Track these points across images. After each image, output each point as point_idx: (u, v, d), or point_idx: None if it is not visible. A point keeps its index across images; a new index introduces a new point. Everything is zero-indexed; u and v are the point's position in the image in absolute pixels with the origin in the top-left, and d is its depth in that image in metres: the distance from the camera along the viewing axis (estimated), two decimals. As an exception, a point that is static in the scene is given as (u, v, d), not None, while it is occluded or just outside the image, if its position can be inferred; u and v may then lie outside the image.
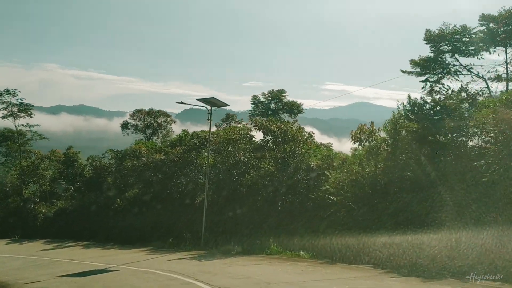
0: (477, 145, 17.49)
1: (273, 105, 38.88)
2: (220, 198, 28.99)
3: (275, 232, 22.32)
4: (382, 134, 19.93)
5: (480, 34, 21.37)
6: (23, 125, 40.74)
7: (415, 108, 18.23)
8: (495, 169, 14.38)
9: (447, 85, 19.86)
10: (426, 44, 20.40)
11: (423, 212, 15.23)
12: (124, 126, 47.17)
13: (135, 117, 46.89)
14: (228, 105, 24.57)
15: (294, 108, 38.61)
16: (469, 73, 21.92)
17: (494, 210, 13.54)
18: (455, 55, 21.15)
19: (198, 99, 24.37)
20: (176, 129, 49.19)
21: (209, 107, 24.69)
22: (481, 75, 22.21)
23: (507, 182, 13.70)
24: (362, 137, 19.34)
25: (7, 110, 39.73)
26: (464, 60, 21.83)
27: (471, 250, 12.03)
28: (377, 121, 21.29)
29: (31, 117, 40.17)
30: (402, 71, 19.78)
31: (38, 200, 39.06)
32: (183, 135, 36.26)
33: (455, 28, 21.25)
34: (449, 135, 17.97)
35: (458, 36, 20.84)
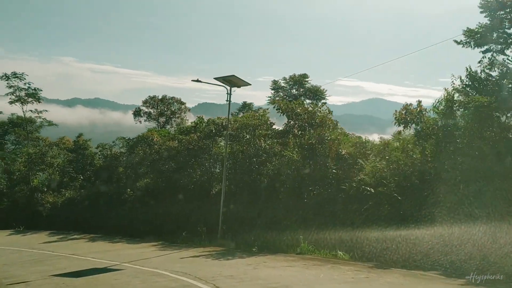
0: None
1: (294, 90, 35.80)
2: (238, 189, 26.19)
3: (300, 227, 19.44)
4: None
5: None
6: (31, 110, 38.28)
7: (475, 83, 15.11)
8: None
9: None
10: (482, 13, 17.21)
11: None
12: (137, 113, 44.35)
13: (147, 104, 44.09)
14: (250, 84, 21.59)
15: (317, 94, 35.45)
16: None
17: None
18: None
19: (216, 78, 21.48)
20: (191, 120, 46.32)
21: (228, 87, 21.80)
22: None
23: None
24: (408, 118, 16.24)
25: (14, 95, 37.26)
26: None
27: None
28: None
29: (39, 102, 37.67)
30: (456, 41, 16.63)
31: (45, 190, 36.61)
32: (198, 121, 33.42)
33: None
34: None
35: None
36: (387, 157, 17.47)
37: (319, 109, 22.39)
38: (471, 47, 16.78)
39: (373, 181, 18.25)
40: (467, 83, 15.51)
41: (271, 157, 24.94)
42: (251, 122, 26.13)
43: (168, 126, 44.14)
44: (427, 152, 16.41)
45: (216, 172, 29.87)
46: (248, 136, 26.58)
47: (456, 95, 15.40)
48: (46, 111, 38.67)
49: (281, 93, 35.81)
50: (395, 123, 16.53)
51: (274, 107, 23.43)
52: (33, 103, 37.77)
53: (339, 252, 14.70)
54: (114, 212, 29.85)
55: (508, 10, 17.04)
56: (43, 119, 39.24)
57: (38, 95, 37.36)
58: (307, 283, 10.47)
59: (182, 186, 29.42)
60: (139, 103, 44.88)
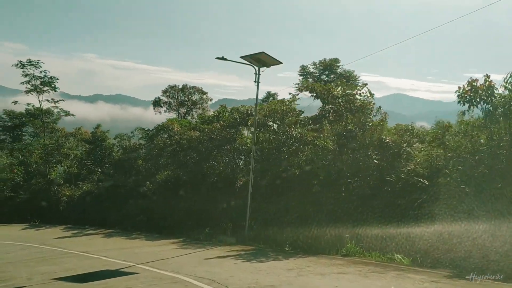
0: None
1: (325, 76, 33.08)
2: (265, 181, 23.76)
3: (338, 224, 16.95)
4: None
5: None
6: (47, 100, 36.46)
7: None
8: None
9: None
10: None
11: None
12: (156, 103, 42.17)
13: (167, 94, 41.88)
14: (281, 63, 19.06)
15: (350, 80, 32.57)
16: None
17: None
18: None
19: (242, 57, 19.05)
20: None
21: (256, 67, 19.34)
22: None
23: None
24: (474, 96, 13.51)
25: (30, 84, 35.47)
26: None
27: None
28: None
29: (55, 90, 35.85)
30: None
31: (62, 182, 34.85)
32: (221, 110, 31.14)
33: None
34: None
35: None
36: (446, 143, 14.74)
37: (360, 91, 19.72)
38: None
39: (427, 171, 15.64)
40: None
41: (302, 146, 22.46)
42: (279, 108, 23.64)
43: (189, 117, 41.90)
44: (495, 138, 13.67)
45: (241, 164, 27.55)
46: (276, 124, 24.16)
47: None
48: (63, 100, 36.83)
49: (310, 79, 33.13)
50: (458, 101, 13.80)
51: (305, 89, 20.89)
52: (49, 92, 35.94)
53: (395, 255, 12.10)
54: (132, 206, 27.79)
55: None
56: (60, 109, 37.38)
57: (54, 84, 35.50)
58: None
59: (204, 178, 27.18)
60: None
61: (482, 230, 11.54)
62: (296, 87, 33.80)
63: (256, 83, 19.46)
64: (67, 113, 37.88)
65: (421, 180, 15.27)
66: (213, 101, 42.24)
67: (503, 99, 12.99)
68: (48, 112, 41.59)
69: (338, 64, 32.65)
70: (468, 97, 13.59)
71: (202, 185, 26.68)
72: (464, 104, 13.78)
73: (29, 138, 44.97)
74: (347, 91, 19.50)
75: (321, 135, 20.98)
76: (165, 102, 41.82)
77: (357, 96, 19.84)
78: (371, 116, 19.32)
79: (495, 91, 13.50)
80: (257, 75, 19.39)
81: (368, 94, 19.80)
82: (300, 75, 33.74)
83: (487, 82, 13.56)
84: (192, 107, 41.90)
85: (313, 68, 33.19)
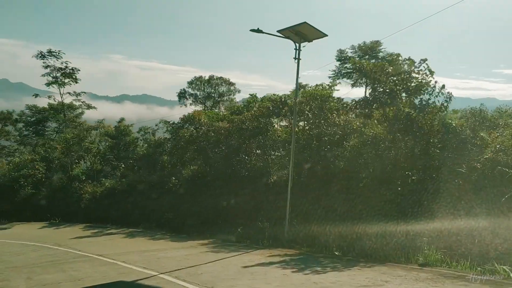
0: None
1: (364, 61, 29.72)
2: (303, 175, 20.99)
3: (393, 223, 14.05)
4: None
5: None
6: (69, 93, 34.50)
7: None
8: None
9: None
10: None
11: None
12: (182, 95, 39.70)
13: (193, 85, 39.35)
14: (326, 35, 16.18)
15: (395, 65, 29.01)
16: None
17: None
18: None
19: (279, 30, 16.26)
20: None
21: (296, 42, 16.52)
22: None
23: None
24: None
25: (51, 75, 33.55)
26: None
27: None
28: None
29: (76, 82, 33.80)
30: None
31: (84, 178, 32.79)
32: (251, 100, 28.46)
33: None
34: None
35: None
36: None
37: (417, 69, 16.65)
38: None
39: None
40: None
41: (348, 134, 19.52)
42: (319, 92, 20.76)
43: (216, 110, 39.32)
44: None
45: (275, 157, 24.78)
46: (315, 112, 21.30)
47: None
48: (84, 93, 34.79)
49: (348, 65, 30.01)
50: None
51: (353, 70, 17.93)
52: (70, 84, 33.95)
53: (496, 265, 9.09)
54: (157, 203, 25.35)
55: None
56: (82, 102, 35.38)
57: (75, 75, 33.45)
58: None
59: (235, 173, 24.49)
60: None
61: None
62: (332, 74, 30.87)
63: (296, 60, 16.62)
64: (89, 106, 35.88)
65: (507, 169, 12.15)
66: (241, 99, 39.64)
67: None
68: (71, 106, 39.80)
69: (380, 48, 29.40)
70: None
71: (232, 181, 24.01)
72: None
73: (51, 133, 43.25)
74: (403, 69, 16.45)
75: (370, 120, 17.97)
76: (191, 94, 39.36)
77: (414, 74, 16.79)
78: (431, 97, 16.21)
79: None
80: (297, 51, 16.55)
81: (428, 72, 16.70)
82: (337, 59, 30.73)
83: None
84: (219, 99, 39.30)
85: (351, 52, 30.11)
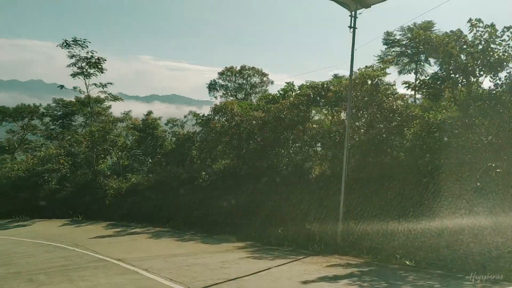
0: None
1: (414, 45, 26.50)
2: (354, 169, 18.07)
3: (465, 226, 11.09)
4: None
5: None
6: (95, 84, 32.43)
7: None
8: None
9: None
10: None
11: None
12: (212, 86, 37.10)
13: (224, 76, 36.70)
14: (389, -2, 13.26)
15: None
16: None
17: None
18: None
19: (332, -6, 13.39)
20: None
21: (352, 9, 13.64)
22: None
23: None
24: None
25: (77, 66, 31.57)
26: None
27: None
28: None
29: (102, 72, 31.71)
30: None
31: (109, 174, 30.66)
32: (288, 89, 25.64)
33: None
34: None
35: None
36: None
37: (500, 39, 13.47)
38: None
39: None
40: None
41: (407, 121, 16.47)
42: (371, 73, 17.76)
43: (249, 101, 36.67)
44: None
45: (316, 150, 21.92)
46: (365, 97, 18.33)
47: None
48: (111, 84, 32.65)
49: (396, 49, 26.72)
50: None
51: (417, 41, 14.85)
52: (96, 75, 31.87)
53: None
54: (185, 201, 22.82)
55: None
56: (108, 94, 33.29)
57: (101, 65, 31.35)
58: None
59: (270, 167, 21.76)
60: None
61: None
62: (377, 61, 27.64)
63: (352, 29, 13.73)
64: (116, 98, 33.74)
65: None
66: (273, 84, 36.75)
67: None
68: (98, 100, 37.89)
69: (432, 29, 25.84)
70: None
71: (268, 176, 21.27)
72: None
73: (77, 128, 41.51)
74: (484, 37, 13.33)
75: (439, 102, 14.89)
76: (222, 86, 36.74)
77: (493, 45, 13.62)
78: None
79: None
80: (352, 18, 13.66)
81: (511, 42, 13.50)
82: (384, 43, 27.44)
83: None
84: (251, 91, 36.58)
85: (400, 34, 26.81)
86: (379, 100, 17.27)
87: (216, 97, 36.83)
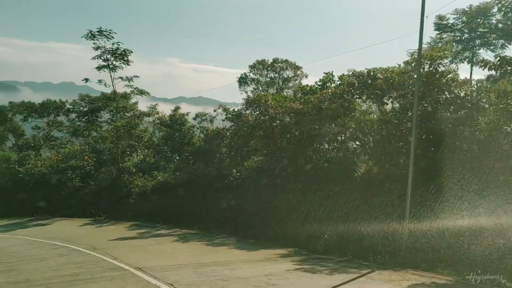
0: None
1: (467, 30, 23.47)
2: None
3: None
4: None
5: None
6: (121, 77, 30.71)
7: None
8: None
9: None
10: None
11: None
12: (242, 80, 34.80)
13: (255, 70, 34.40)
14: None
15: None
16: None
17: None
18: None
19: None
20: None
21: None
22: None
23: None
24: None
25: (102, 58, 29.92)
26: None
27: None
28: None
29: (128, 64, 29.95)
30: None
31: (134, 171, 28.81)
32: (327, 79, 23.15)
33: None
34: None
35: None
36: None
37: None
38: None
39: None
40: None
41: (478, 110, 13.81)
42: (436, 53, 15.11)
43: (284, 94, 34.32)
44: None
45: (362, 144, 19.38)
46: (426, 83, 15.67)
47: None
48: (137, 77, 30.83)
49: (448, 34, 23.73)
50: None
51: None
52: (122, 68, 30.13)
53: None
54: (215, 200, 20.63)
55: None
56: (134, 88, 31.52)
57: (127, 56, 29.59)
58: None
59: (310, 164, 19.31)
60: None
61: None
62: (431, 42, 24.65)
63: (422, -7, 11.21)
64: (142, 92, 31.95)
65: None
66: (308, 78, 34.07)
67: None
68: (124, 96, 36.27)
69: (493, 11, 22.79)
70: None
71: (305, 174, 18.85)
72: None
73: (101, 123, 40.04)
74: None
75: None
76: (253, 80, 34.44)
77: None
78: None
79: None
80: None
81: None
82: (436, 28, 24.45)
83: None
84: (283, 86, 34.15)
85: (454, 17, 23.79)
86: (441, 85, 14.64)
87: (246, 92, 34.69)
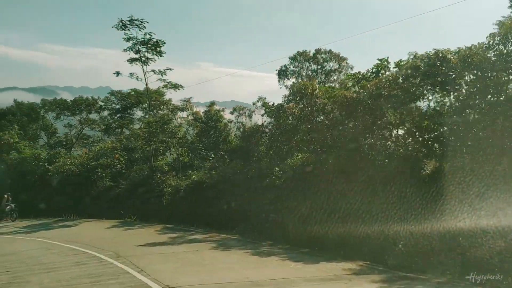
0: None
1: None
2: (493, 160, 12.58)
3: None
4: None
5: None
6: (153, 71, 28.56)
7: None
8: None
9: None
10: None
11: None
12: (282, 72, 31.98)
13: (296, 61, 31.54)
14: None
15: None
16: None
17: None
18: None
19: None
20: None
21: None
22: None
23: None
24: None
25: (133, 50, 27.86)
26: None
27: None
28: None
29: (161, 56, 27.78)
30: None
31: (167, 169, 26.60)
32: (381, 65, 20.19)
33: None
34: None
35: None
36: None
37: None
38: None
39: None
40: None
41: None
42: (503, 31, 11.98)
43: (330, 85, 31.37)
44: None
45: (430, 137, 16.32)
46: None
47: None
48: (170, 69, 28.63)
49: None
50: None
51: None
52: (155, 60, 27.98)
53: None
54: (257, 202, 18.02)
55: None
56: (167, 82, 29.33)
57: (160, 47, 27.44)
58: None
59: (365, 161, 16.38)
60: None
61: None
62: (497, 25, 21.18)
63: None
64: (176, 86, 29.71)
65: None
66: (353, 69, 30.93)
67: None
68: (158, 92, 34.24)
69: None
70: None
71: (361, 171, 15.97)
72: None
73: (133, 119, 38.24)
74: None
75: None
76: (293, 72, 31.62)
77: None
78: None
79: None
80: None
81: None
82: (511, 5, 20.97)
83: None
84: (326, 80, 31.22)
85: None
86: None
87: (286, 86, 31.92)
